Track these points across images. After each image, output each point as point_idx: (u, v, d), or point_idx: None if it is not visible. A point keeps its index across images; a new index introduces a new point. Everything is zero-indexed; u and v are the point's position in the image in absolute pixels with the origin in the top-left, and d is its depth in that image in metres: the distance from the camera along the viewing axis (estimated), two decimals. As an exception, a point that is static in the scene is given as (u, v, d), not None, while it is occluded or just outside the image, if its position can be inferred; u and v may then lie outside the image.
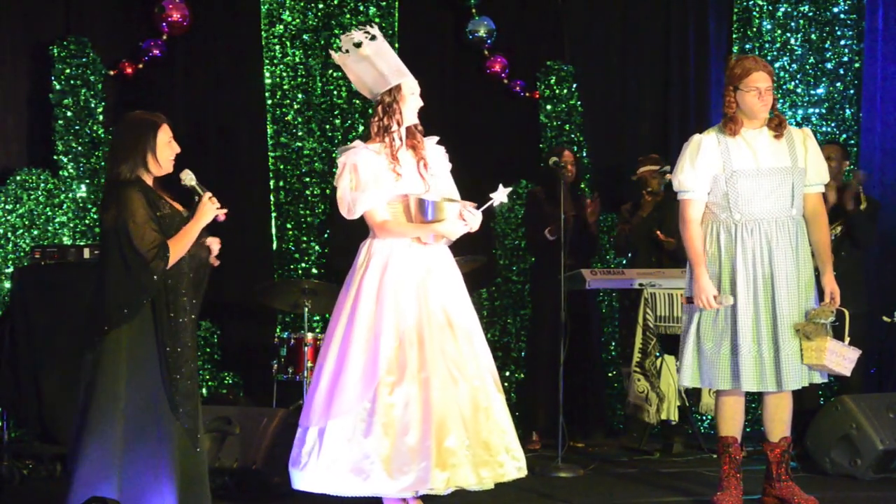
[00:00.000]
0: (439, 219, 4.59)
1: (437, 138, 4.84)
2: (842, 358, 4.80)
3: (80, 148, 7.02)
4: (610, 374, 7.55)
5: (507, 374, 7.43)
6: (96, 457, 4.08)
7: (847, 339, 4.87)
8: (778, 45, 7.83)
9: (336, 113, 7.70)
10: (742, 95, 4.85)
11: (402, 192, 4.64)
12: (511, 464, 4.56)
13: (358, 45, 4.69)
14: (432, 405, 4.44)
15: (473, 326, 4.68)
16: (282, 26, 7.61)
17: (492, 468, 4.50)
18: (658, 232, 6.74)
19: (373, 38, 4.70)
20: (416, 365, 4.50)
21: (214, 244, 4.32)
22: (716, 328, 4.88)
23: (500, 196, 4.68)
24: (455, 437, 4.44)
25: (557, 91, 7.85)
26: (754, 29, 7.86)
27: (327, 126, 7.69)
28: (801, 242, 4.88)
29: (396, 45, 7.39)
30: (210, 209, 4.19)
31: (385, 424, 4.43)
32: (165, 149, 4.23)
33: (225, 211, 4.23)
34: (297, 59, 7.64)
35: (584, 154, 7.83)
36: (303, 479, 4.55)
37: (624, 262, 7.28)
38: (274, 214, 7.63)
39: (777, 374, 4.80)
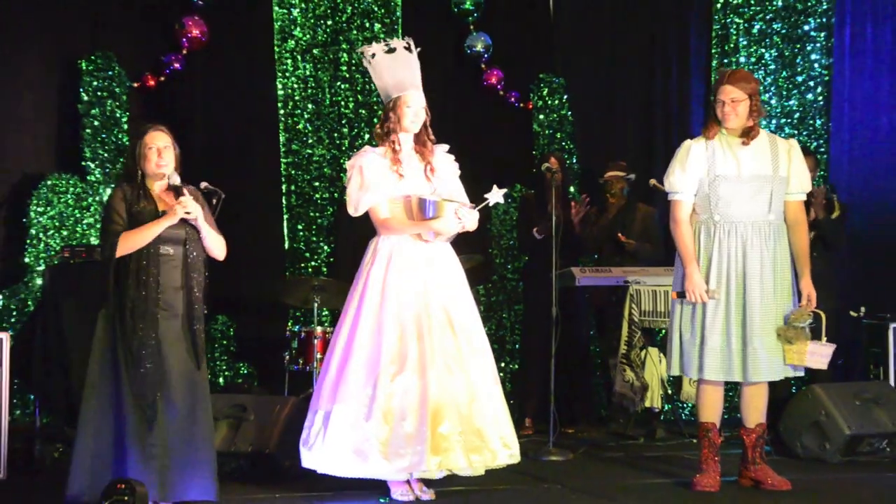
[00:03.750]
0: (438, 217, 4.61)
1: (447, 147, 4.85)
2: (821, 356, 4.83)
3: (106, 154, 7.02)
4: (597, 365, 7.55)
5: (503, 364, 7.43)
6: (81, 438, 4.28)
7: (824, 339, 4.89)
8: (753, 59, 7.84)
9: (343, 122, 7.70)
10: (715, 105, 4.89)
11: (405, 192, 4.66)
12: (503, 451, 4.59)
13: (391, 51, 4.74)
14: (429, 394, 4.46)
15: (473, 325, 4.68)
16: (293, 41, 7.61)
17: (482, 454, 4.53)
18: (619, 234, 6.78)
19: (391, 50, 4.74)
20: (416, 356, 4.52)
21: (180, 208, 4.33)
22: (693, 322, 4.90)
23: (496, 196, 4.69)
24: (449, 424, 4.47)
25: (549, 102, 7.85)
26: (731, 45, 7.87)
27: (335, 134, 7.69)
28: (779, 246, 4.87)
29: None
30: (173, 216, 4.28)
31: (385, 411, 4.46)
32: (149, 153, 4.36)
33: (192, 215, 4.28)
34: (308, 72, 7.64)
35: (574, 160, 7.83)
36: (310, 458, 4.60)
37: (596, 257, 7.29)
38: (286, 216, 7.62)
39: (743, 366, 4.82)
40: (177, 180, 4.36)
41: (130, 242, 4.26)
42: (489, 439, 4.55)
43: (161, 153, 4.35)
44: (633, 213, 6.96)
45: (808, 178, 4.98)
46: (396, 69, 4.75)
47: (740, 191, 4.84)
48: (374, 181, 4.66)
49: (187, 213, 4.27)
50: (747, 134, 4.89)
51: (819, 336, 4.88)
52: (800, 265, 4.93)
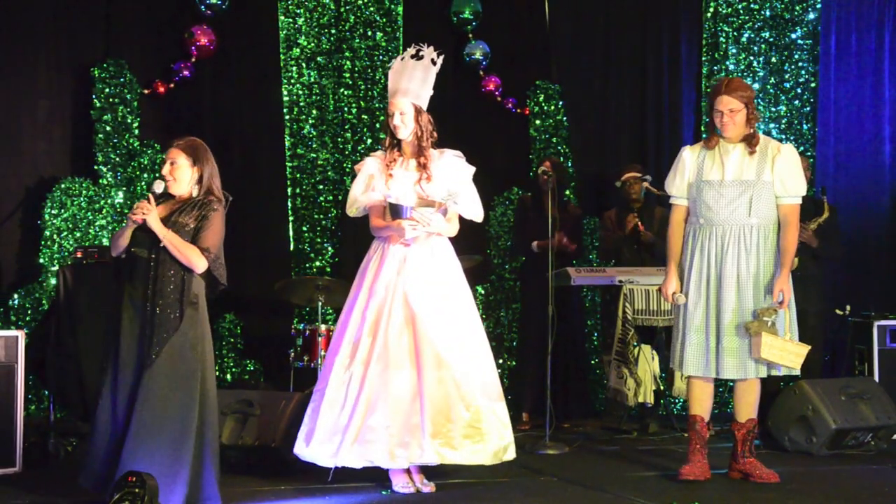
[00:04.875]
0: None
1: (457, 152, 4.81)
2: (781, 351, 4.75)
3: (117, 159, 7.01)
4: (592, 362, 7.54)
5: (501, 361, 7.42)
6: None
7: (788, 335, 4.83)
8: (742, 67, 7.84)
9: (347, 127, 7.68)
10: (713, 115, 4.87)
11: (390, 195, 4.65)
12: (433, 449, 4.44)
13: (402, 60, 4.74)
14: (365, 386, 4.48)
15: (441, 325, 4.57)
16: (298, 49, 7.60)
17: (410, 450, 4.45)
18: (638, 223, 6.74)
19: (402, 59, 4.72)
20: (367, 351, 4.54)
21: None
22: (682, 319, 4.94)
23: (450, 199, 4.67)
24: (379, 417, 4.44)
25: (545, 108, 7.84)
26: (721, 53, 7.87)
27: (339, 139, 7.67)
28: (762, 247, 4.83)
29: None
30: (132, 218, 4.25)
31: (331, 400, 4.52)
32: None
33: (137, 217, 4.20)
34: (312, 79, 7.62)
35: (570, 164, 7.82)
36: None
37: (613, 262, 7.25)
38: (291, 218, 7.61)
39: (717, 363, 4.82)
40: (157, 189, 4.31)
41: (112, 242, 4.35)
42: (421, 436, 4.44)
43: (170, 167, 4.37)
44: (651, 215, 6.92)
45: (796, 182, 4.87)
46: (395, 77, 4.74)
47: (722, 195, 4.84)
48: (364, 185, 4.70)
49: (133, 214, 4.20)
50: (748, 141, 4.86)
51: (782, 333, 4.82)
52: (780, 264, 4.86)
